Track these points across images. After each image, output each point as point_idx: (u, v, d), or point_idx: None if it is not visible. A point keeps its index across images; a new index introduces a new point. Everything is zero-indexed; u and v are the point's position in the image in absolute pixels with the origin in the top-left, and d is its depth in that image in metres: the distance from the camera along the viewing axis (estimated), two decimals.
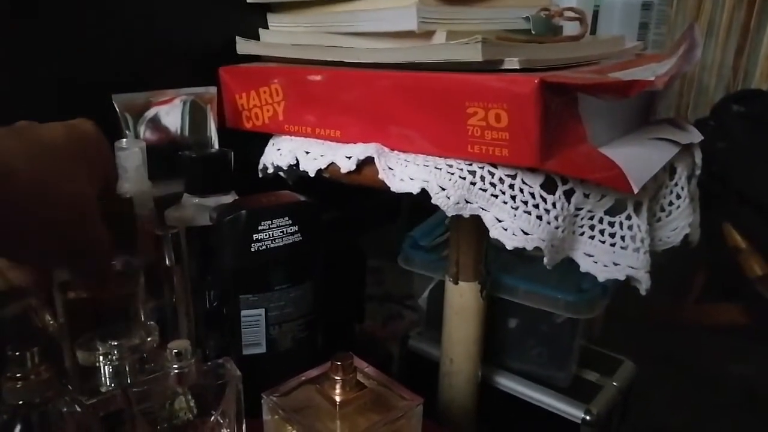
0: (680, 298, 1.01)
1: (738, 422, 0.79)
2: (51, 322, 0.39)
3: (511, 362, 0.67)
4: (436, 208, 0.41)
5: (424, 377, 0.64)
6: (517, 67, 0.39)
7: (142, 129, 0.47)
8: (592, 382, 0.67)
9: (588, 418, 0.61)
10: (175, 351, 0.36)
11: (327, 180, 0.48)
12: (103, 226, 0.32)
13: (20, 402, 0.30)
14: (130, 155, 0.43)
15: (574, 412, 0.62)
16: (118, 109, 0.46)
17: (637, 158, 0.41)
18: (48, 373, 0.30)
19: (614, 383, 0.67)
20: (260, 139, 0.53)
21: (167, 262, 0.43)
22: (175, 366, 0.36)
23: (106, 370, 0.35)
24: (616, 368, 0.69)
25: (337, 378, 0.37)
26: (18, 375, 0.30)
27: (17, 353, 0.30)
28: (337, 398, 0.37)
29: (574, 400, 0.63)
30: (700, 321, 0.99)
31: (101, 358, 0.35)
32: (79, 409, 0.33)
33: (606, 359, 0.71)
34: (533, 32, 0.46)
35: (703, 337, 0.96)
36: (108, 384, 0.36)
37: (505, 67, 0.39)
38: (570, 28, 0.48)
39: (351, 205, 0.64)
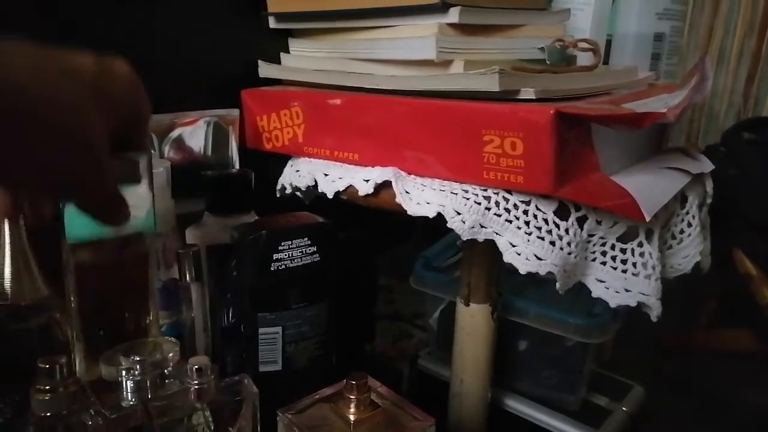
0: (691, 323, 1.00)
1: None
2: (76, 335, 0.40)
3: (521, 385, 0.67)
4: (449, 229, 0.42)
5: (433, 397, 0.65)
6: (533, 97, 0.40)
7: (166, 149, 0.49)
8: (601, 406, 0.67)
9: None
10: (196, 367, 0.37)
11: (342, 201, 0.49)
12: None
13: (48, 414, 0.31)
14: (156, 175, 0.45)
15: None
16: None
17: (649, 187, 0.42)
18: (75, 385, 0.31)
19: (624, 408, 0.67)
20: (276, 160, 0.55)
21: (187, 279, 0.44)
22: (195, 382, 0.37)
23: (128, 384, 0.36)
24: (626, 393, 0.69)
25: (351, 397, 0.38)
26: (47, 387, 0.31)
27: (47, 365, 0.31)
28: (352, 417, 0.38)
29: (584, 424, 0.63)
30: (710, 347, 0.98)
31: (123, 372, 0.36)
32: (101, 422, 0.34)
33: (616, 384, 0.71)
34: (548, 62, 0.47)
35: (714, 363, 0.95)
36: (129, 399, 0.36)
37: (522, 96, 0.41)
38: (584, 59, 0.49)
39: (364, 225, 0.65)
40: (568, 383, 0.66)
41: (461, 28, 0.45)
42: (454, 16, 0.44)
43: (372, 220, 0.62)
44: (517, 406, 0.66)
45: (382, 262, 0.84)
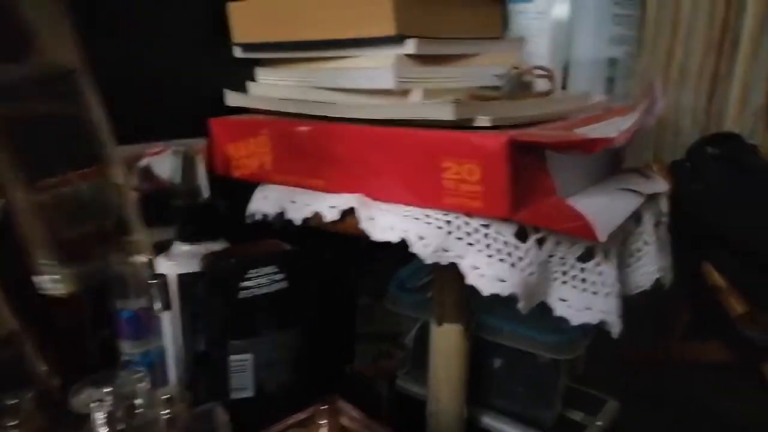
0: (664, 337, 1.02)
1: None
2: (43, 368, 0.40)
3: (496, 402, 0.68)
4: None
5: (412, 416, 0.65)
6: (489, 125, 0.42)
7: (135, 178, 0.49)
8: (576, 421, 0.68)
9: None
10: (165, 397, 0.37)
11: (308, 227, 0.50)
12: None
13: None
14: None
15: None
16: None
17: (605, 208, 0.43)
18: (42, 420, 0.31)
19: (598, 423, 0.68)
20: (247, 187, 0.56)
21: (157, 308, 0.44)
22: (166, 412, 0.37)
23: (98, 416, 0.36)
24: (601, 408, 0.70)
25: (321, 422, 0.38)
26: (12, 423, 0.31)
27: (14, 401, 0.31)
28: None
29: None
30: (684, 359, 1.00)
31: (94, 404, 0.37)
32: None
33: (590, 399, 0.72)
34: (504, 89, 0.49)
35: (687, 375, 0.97)
36: (100, 430, 0.37)
37: (477, 124, 0.42)
38: (540, 85, 0.51)
39: (343, 244, 0.66)
40: (542, 399, 0.66)
41: (419, 58, 0.47)
42: (410, 47, 0.45)
43: (351, 240, 0.63)
44: (494, 423, 0.67)
45: (362, 282, 0.84)
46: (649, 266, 0.48)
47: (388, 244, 0.44)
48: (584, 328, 0.61)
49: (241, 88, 0.59)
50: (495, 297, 0.43)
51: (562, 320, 0.53)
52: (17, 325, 0.39)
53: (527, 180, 0.40)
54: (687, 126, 1.02)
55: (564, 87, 0.58)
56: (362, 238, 0.46)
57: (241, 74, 0.59)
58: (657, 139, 1.04)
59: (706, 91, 0.99)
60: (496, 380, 0.68)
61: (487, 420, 0.67)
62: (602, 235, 0.40)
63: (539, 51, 0.54)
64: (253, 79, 0.60)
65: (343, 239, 0.57)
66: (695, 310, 1.01)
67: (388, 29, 0.45)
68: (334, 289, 0.77)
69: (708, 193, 0.90)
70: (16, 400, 0.32)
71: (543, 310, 0.45)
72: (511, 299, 0.46)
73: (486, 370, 0.68)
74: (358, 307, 0.84)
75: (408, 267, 0.75)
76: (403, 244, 0.44)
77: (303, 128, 0.50)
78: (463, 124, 0.42)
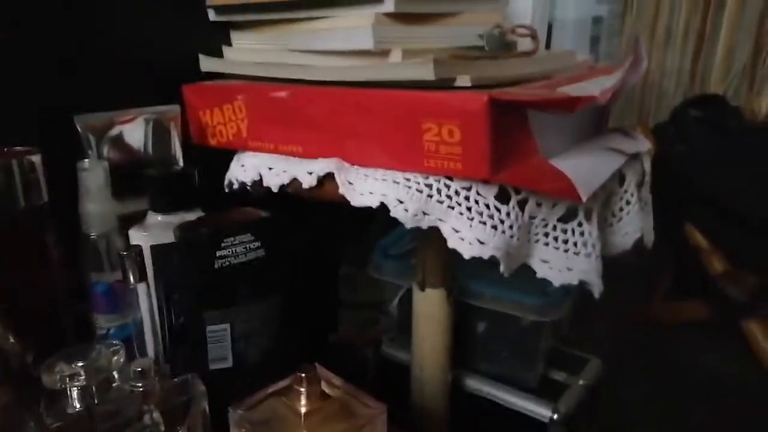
0: (647, 296, 1.04)
1: (708, 413, 0.82)
2: (11, 341, 0.39)
3: (480, 365, 0.69)
4: None
5: (397, 382, 0.65)
6: (469, 85, 0.41)
7: (105, 148, 0.48)
8: (559, 381, 0.69)
9: (555, 417, 0.63)
10: (138, 369, 0.37)
11: (286, 194, 0.49)
12: None
13: None
14: (93, 176, 0.44)
15: (542, 411, 0.64)
16: (80, 130, 0.46)
17: (586, 168, 0.43)
18: (6, 396, 0.31)
19: (581, 381, 0.69)
20: (223, 155, 0.54)
21: (132, 280, 0.43)
22: (140, 384, 0.37)
23: (72, 392, 0.36)
24: (584, 367, 0.71)
25: (301, 389, 0.38)
26: None
27: None
28: (302, 409, 0.38)
29: (542, 399, 0.64)
30: (667, 318, 1.02)
31: (67, 380, 0.36)
32: None
33: (574, 359, 0.73)
34: (487, 49, 0.48)
35: (670, 334, 0.98)
36: (75, 406, 0.36)
37: (458, 84, 0.41)
38: (523, 44, 0.50)
39: (324, 214, 0.65)
40: (525, 361, 0.67)
41: (398, 17, 0.45)
42: (390, 5, 0.44)
43: (333, 210, 0.62)
44: (477, 386, 0.68)
45: (344, 251, 0.84)
46: (631, 226, 0.48)
47: (369, 211, 0.44)
48: (566, 289, 0.61)
49: (216, 53, 0.57)
50: (477, 261, 0.43)
51: (544, 282, 0.53)
52: None
53: (508, 140, 0.39)
54: (671, 88, 1.02)
55: (548, 47, 0.57)
56: (341, 204, 0.45)
57: (216, 38, 0.57)
58: (640, 102, 1.03)
59: (690, 52, 0.98)
60: (479, 344, 0.69)
61: (471, 383, 0.68)
62: (584, 195, 0.39)
63: (522, 10, 0.53)
64: (228, 44, 0.57)
65: (325, 207, 0.56)
66: (677, 270, 1.02)
67: None
68: (315, 258, 0.77)
69: (691, 155, 0.90)
70: None
71: (525, 272, 0.45)
72: (493, 262, 0.46)
73: (470, 334, 0.69)
74: (341, 276, 0.84)
75: (391, 234, 0.75)
76: (385, 211, 0.43)
77: (280, 93, 0.48)
78: (443, 84, 0.41)
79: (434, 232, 0.46)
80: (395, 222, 0.43)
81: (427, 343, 0.60)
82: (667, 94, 1.02)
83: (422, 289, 0.58)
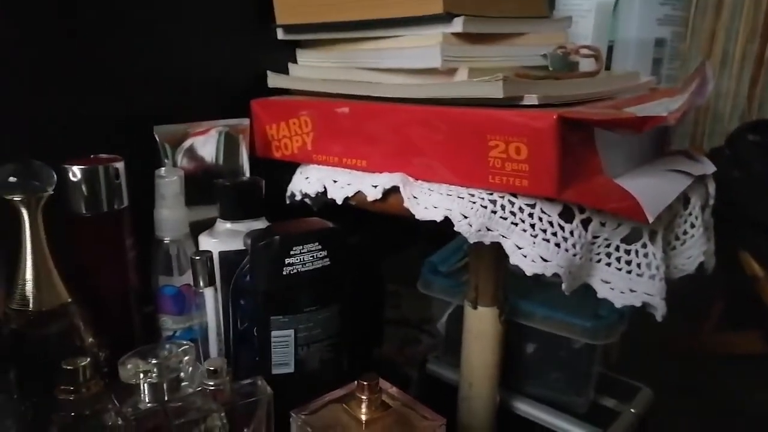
0: (698, 325, 1.01)
1: None
2: (91, 340, 0.41)
3: (529, 387, 0.68)
4: (454, 234, 0.43)
5: (442, 401, 0.65)
6: (536, 103, 0.41)
7: (180, 158, 0.50)
8: (610, 408, 0.67)
9: None
10: (211, 368, 0.38)
11: (349, 207, 0.50)
12: None
13: (72, 414, 0.32)
14: (169, 183, 0.46)
15: None
16: (158, 140, 0.49)
17: (652, 189, 0.43)
18: (97, 387, 0.32)
19: (632, 410, 0.67)
20: (285, 168, 0.56)
21: (201, 284, 0.45)
22: (211, 383, 0.38)
23: (145, 387, 0.37)
24: (634, 395, 0.70)
25: (363, 397, 0.39)
26: (71, 388, 0.32)
27: (71, 367, 0.32)
28: (363, 417, 0.38)
29: (592, 426, 0.63)
30: (718, 349, 0.98)
31: (141, 375, 0.37)
32: (121, 422, 0.35)
33: (624, 386, 0.71)
34: (551, 69, 0.48)
35: (721, 366, 0.95)
36: (146, 400, 0.38)
37: (525, 102, 0.42)
38: (586, 65, 0.50)
39: (370, 231, 0.66)
40: (576, 385, 0.66)
41: (465, 37, 0.46)
42: (458, 25, 0.45)
43: (376, 227, 0.63)
44: (526, 408, 0.67)
45: (386, 269, 0.85)
46: (694, 249, 0.47)
47: (416, 229, 0.44)
48: (620, 313, 0.61)
49: (283, 70, 0.59)
50: (529, 280, 0.43)
51: (598, 305, 0.52)
52: (70, 298, 0.40)
53: (575, 159, 0.40)
54: (726, 112, 1.00)
55: (608, 68, 0.57)
56: (403, 217, 0.46)
57: (283, 56, 0.60)
58: (694, 125, 1.02)
59: (748, 76, 0.97)
60: (528, 365, 0.68)
61: (520, 405, 0.67)
62: (651, 216, 0.39)
63: (585, 31, 0.53)
64: (294, 61, 0.60)
65: (371, 225, 0.57)
66: (730, 300, 0.99)
67: (436, 7, 0.44)
68: (367, 272, 0.78)
69: (748, 180, 0.88)
70: (72, 367, 0.33)
71: (578, 294, 0.44)
72: (549, 283, 0.46)
73: (519, 355, 0.68)
74: (388, 292, 0.85)
75: (440, 252, 0.75)
76: (449, 226, 0.43)
77: (344, 108, 0.50)
78: (509, 103, 0.42)
79: (487, 251, 0.47)
80: (438, 240, 0.43)
81: (477, 361, 0.60)
82: (722, 119, 1.00)
83: (474, 307, 0.58)
